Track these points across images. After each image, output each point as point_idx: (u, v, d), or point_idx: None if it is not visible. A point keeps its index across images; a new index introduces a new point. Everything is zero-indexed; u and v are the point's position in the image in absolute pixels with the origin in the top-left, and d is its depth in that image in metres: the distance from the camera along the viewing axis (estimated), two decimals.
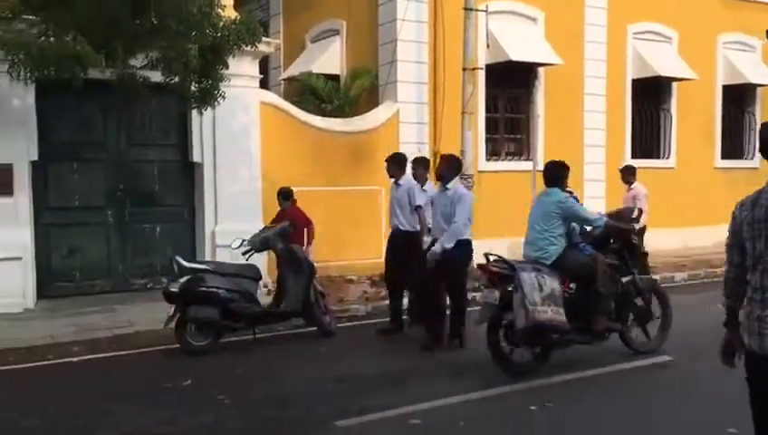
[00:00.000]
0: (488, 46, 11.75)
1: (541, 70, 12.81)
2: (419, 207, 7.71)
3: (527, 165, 12.20)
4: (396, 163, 8.08)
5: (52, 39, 7.03)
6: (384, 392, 5.81)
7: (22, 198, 8.86)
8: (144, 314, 8.43)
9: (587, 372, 6.26)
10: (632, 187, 10.82)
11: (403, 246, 7.81)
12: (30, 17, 7.27)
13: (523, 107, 13.04)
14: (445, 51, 11.62)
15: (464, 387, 5.89)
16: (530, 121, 12.74)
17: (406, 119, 11.81)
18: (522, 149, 13.08)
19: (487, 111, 12.53)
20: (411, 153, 11.57)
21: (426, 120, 11.96)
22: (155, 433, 4.95)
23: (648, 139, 14.55)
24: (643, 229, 10.14)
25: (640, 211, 9.39)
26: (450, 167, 7.36)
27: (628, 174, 10.90)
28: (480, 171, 11.98)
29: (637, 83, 14.05)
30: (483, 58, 11.85)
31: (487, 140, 12.63)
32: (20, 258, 8.74)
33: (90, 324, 8.10)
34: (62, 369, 6.79)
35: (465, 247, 7.10)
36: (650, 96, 14.44)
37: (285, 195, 8.88)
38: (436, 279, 7.12)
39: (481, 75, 11.88)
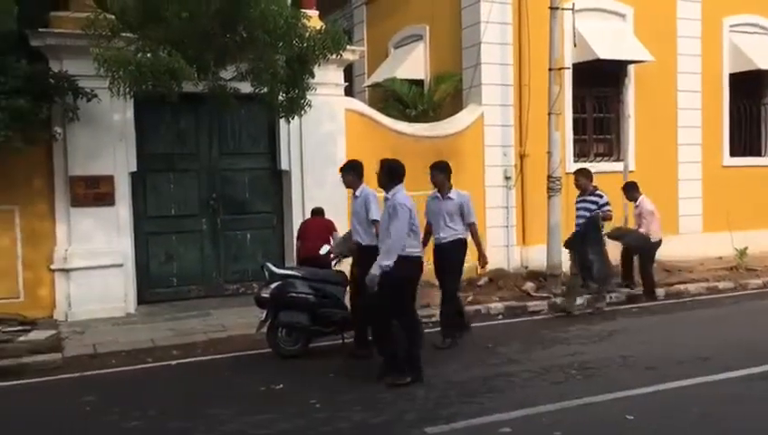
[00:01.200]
0: (575, 45, 11.46)
1: (631, 68, 12.39)
2: (375, 221, 6.91)
3: (617, 166, 11.82)
4: (352, 171, 7.40)
5: (148, 55, 7.34)
6: (474, 399, 5.74)
7: (122, 208, 9.29)
8: (237, 319, 8.67)
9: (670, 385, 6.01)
10: (637, 203, 10.49)
11: (363, 262, 6.77)
12: (128, 35, 7.62)
13: (613, 106, 12.65)
14: (530, 51, 11.43)
15: (558, 395, 5.74)
16: (620, 121, 12.35)
17: (491, 121, 11.68)
18: (611, 149, 12.70)
19: (575, 111, 12.25)
20: (498, 156, 11.67)
21: (511, 123, 11.79)
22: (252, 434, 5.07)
23: (747, 136, 13.83)
24: (656, 244, 10.33)
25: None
26: (385, 173, 6.47)
27: (632, 190, 10.57)
28: (568, 173, 11.67)
29: (735, 78, 13.38)
30: (569, 57, 11.57)
31: (575, 141, 12.33)
32: (121, 265, 9.17)
33: (186, 329, 8.40)
34: (162, 372, 7.05)
35: (404, 264, 6.07)
36: (750, 91, 13.71)
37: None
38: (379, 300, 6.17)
39: (568, 75, 11.60)
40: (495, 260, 11.66)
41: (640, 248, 10.31)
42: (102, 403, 5.90)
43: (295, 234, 9.54)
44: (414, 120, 11.76)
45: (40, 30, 8.50)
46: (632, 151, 12.21)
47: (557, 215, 10.43)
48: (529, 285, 10.47)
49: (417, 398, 5.82)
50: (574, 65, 11.74)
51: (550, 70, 10.45)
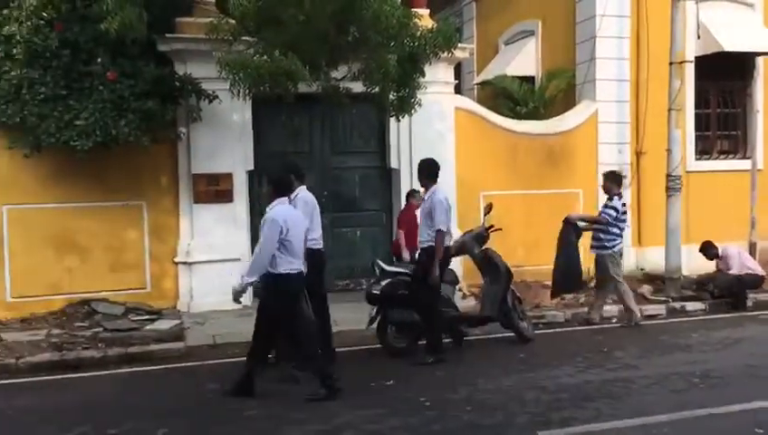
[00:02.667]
0: (698, 37, 10.91)
1: (760, 60, 11.66)
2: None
3: (744, 164, 11.17)
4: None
5: (266, 57, 7.60)
6: (589, 404, 5.58)
7: (240, 205, 9.68)
8: (347, 315, 8.81)
9: None
10: (722, 255, 9.80)
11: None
12: (247, 39, 7.91)
13: (739, 101, 11.94)
14: (649, 45, 10.97)
15: (679, 404, 5.49)
16: (747, 116, 11.64)
17: (605, 118, 11.31)
18: (737, 146, 11.99)
19: (697, 106, 11.65)
20: (612, 154, 11.26)
21: (627, 119, 11.38)
22: (363, 430, 5.14)
23: None
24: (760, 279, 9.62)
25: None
26: (269, 181, 6.33)
27: (710, 249, 9.81)
28: (689, 172, 11.15)
29: None
30: (692, 50, 11.03)
31: (697, 138, 11.73)
32: (239, 259, 9.53)
33: None
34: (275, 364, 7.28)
35: (277, 282, 5.87)
36: None
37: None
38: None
39: (689, 69, 11.05)
40: None
41: (747, 284, 9.62)
42: (223, 392, 6.17)
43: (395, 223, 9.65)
44: (524, 118, 11.55)
45: (167, 35, 8.98)
46: (761, 149, 11.49)
47: (677, 215, 9.96)
48: (645, 288, 10.07)
49: (529, 400, 5.73)
50: (697, 58, 11.17)
51: (671, 64, 9.98)
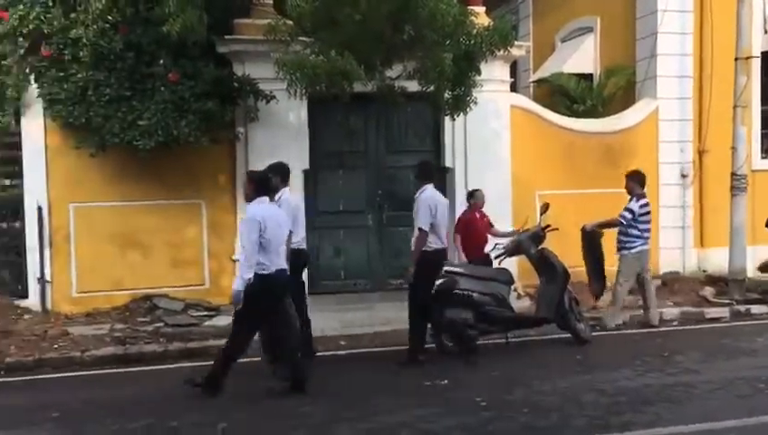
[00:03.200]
0: (765, 32, 10.54)
1: None
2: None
3: None
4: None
5: (321, 57, 7.67)
6: (649, 409, 5.45)
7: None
8: (400, 313, 8.79)
9: None
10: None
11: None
12: (304, 39, 8.00)
13: None
14: (713, 40, 10.66)
15: (745, 410, 5.32)
16: None
17: (666, 116, 11.03)
18: None
19: (763, 103, 11.28)
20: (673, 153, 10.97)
21: (689, 117, 11.08)
22: (418, 429, 5.14)
23: None
24: None
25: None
26: (250, 180, 6.31)
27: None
28: (754, 171, 10.77)
29: None
30: (759, 45, 10.66)
31: (763, 136, 11.35)
32: None
33: (353, 321, 8.70)
34: (331, 361, 7.36)
35: (256, 283, 5.83)
36: None
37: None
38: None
39: (756, 64, 10.68)
40: (669, 263, 11.04)
41: None
42: (283, 387, 6.25)
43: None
44: (582, 116, 11.36)
45: (226, 37, 9.15)
46: None
47: (741, 215, 9.65)
48: (708, 291, 9.78)
49: (586, 403, 5.63)
50: (764, 54, 10.80)
51: (736, 59, 9.67)
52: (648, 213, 8.46)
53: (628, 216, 8.31)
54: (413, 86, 8.43)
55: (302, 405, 5.74)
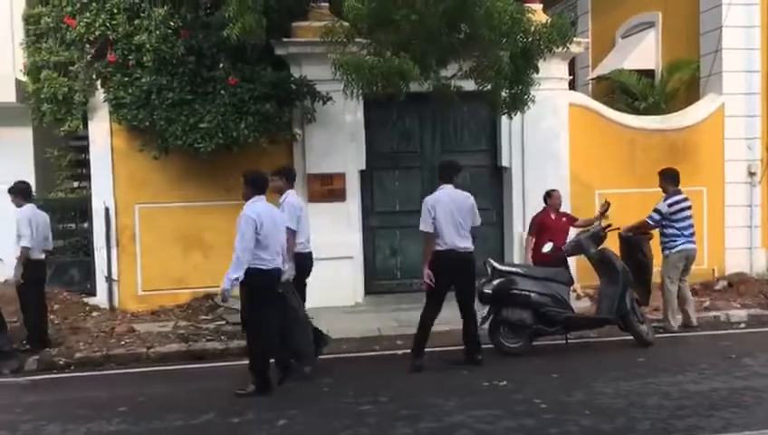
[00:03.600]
0: None
1: None
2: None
3: None
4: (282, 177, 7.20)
5: (378, 58, 7.70)
6: (716, 413, 5.27)
7: (352, 204, 9.87)
8: (457, 313, 8.76)
9: None
10: None
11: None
12: (360, 40, 8.05)
13: None
14: None
15: None
16: None
17: (733, 112, 10.68)
18: None
19: None
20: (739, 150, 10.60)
21: (757, 113, 10.72)
22: (477, 430, 5.10)
23: None
24: None
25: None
26: (246, 180, 6.42)
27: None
28: None
29: None
30: None
31: None
32: (351, 257, 9.75)
33: (409, 320, 8.64)
34: (389, 360, 7.38)
35: (249, 278, 6.02)
36: None
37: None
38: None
39: None
40: (736, 263, 10.68)
41: None
42: (338, 386, 6.33)
43: (519, 231, 9.48)
44: (643, 114, 11.11)
45: (284, 40, 9.29)
46: None
47: None
48: None
49: (650, 406, 5.49)
50: None
51: None
52: (684, 210, 8.15)
53: (657, 217, 8.08)
54: (469, 85, 8.40)
55: (361, 404, 5.77)
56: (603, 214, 8.08)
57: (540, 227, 8.51)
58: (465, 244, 6.84)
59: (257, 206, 6.20)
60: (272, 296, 6.19)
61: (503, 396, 5.91)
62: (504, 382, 6.26)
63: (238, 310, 9.13)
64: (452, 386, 6.20)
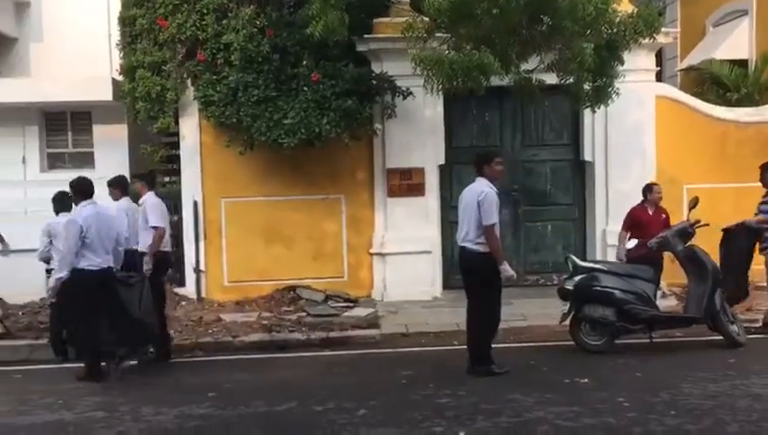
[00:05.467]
0: None
1: None
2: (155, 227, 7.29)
3: None
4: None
5: (458, 52, 7.69)
6: None
7: (431, 199, 9.91)
8: (537, 309, 8.72)
9: None
10: None
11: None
12: (440, 35, 8.06)
13: None
14: None
15: None
16: None
17: None
18: None
19: None
20: None
21: None
22: (557, 426, 5.06)
23: None
24: None
25: None
26: (71, 186, 6.86)
27: None
28: None
29: None
30: None
31: None
32: (430, 252, 9.79)
33: None
34: (466, 354, 7.36)
35: (75, 276, 6.43)
36: None
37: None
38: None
39: None
40: None
41: None
42: (417, 378, 6.39)
43: (601, 227, 9.26)
44: (736, 105, 10.66)
45: (365, 36, 9.41)
46: None
47: None
48: None
49: (740, 408, 5.30)
50: None
51: None
52: None
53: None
54: (551, 78, 8.28)
55: (439, 397, 5.82)
56: (692, 210, 7.81)
57: (633, 222, 8.26)
58: (465, 242, 6.47)
59: (85, 210, 6.59)
60: (99, 295, 6.50)
61: (584, 393, 5.83)
62: (586, 380, 6.17)
63: (319, 302, 9.44)
64: (532, 382, 6.16)
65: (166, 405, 5.77)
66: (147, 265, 7.21)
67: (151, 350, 7.39)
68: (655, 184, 8.49)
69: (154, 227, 7.27)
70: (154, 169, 7.88)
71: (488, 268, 6.40)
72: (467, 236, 6.45)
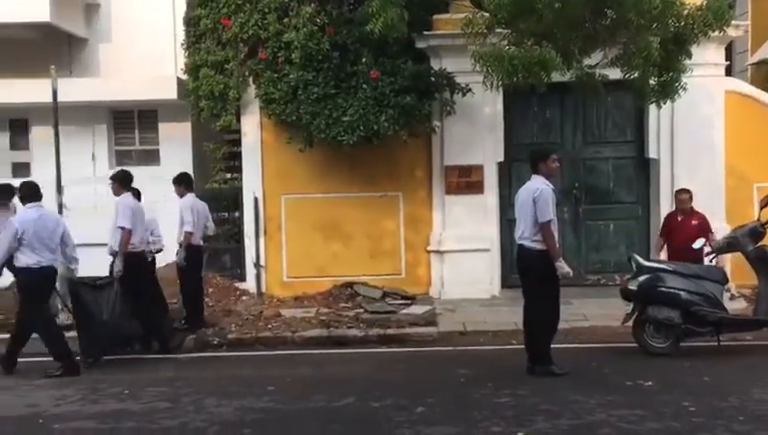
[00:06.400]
0: None
1: None
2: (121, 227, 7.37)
3: None
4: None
5: (518, 48, 7.58)
6: None
7: (490, 196, 9.83)
8: (598, 310, 8.55)
9: None
10: None
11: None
12: (500, 31, 7.97)
13: None
14: None
15: None
16: None
17: None
18: None
19: None
20: None
21: None
22: (620, 429, 4.95)
23: None
24: None
25: None
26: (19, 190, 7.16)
27: None
28: None
29: None
30: None
31: None
32: (488, 250, 9.71)
33: None
34: (525, 354, 7.28)
35: (19, 274, 6.92)
36: None
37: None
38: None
39: None
40: None
41: None
42: (475, 377, 6.34)
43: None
44: None
45: (424, 33, 9.39)
46: None
47: None
48: None
49: None
50: None
51: None
52: None
53: None
54: (614, 73, 8.08)
55: (498, 396, 5.76)
56: (763, 209, 7.51)
57: (665, 228, 8.12)
58: (522, 240, 6.38)
59: (27, 214, 6.90)
60: (43, 291, 6.96)
61: (648, 396, 5.68)
62: (650, 383, 6.01)
63: (376, 299, 9.47)
64: (593, 384, 6.05)
65: (227, 398, 5.89)
66: (117, 267, 7.33)
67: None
68: (681, 191, 8.22)
69: (121, 228, 7.37)
70: (127, 170, 8.04)
71: (545, 266, 6.32)
72: (524, 234, 6.38)
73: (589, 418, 5.20)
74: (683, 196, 8.22)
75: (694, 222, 8.03)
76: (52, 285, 7.16)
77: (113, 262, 7.45)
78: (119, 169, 8.49)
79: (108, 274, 7.47)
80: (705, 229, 7.97)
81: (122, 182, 7.64)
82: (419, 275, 9.98)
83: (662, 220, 8.71)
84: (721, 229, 8.36)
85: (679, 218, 8.12)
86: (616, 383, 6.03)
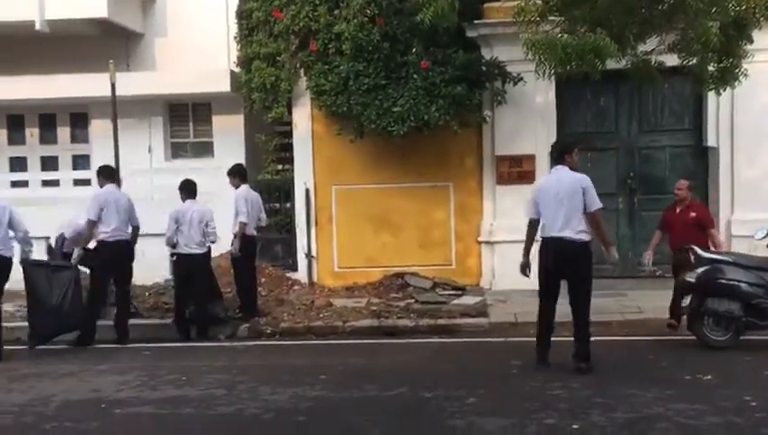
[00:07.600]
0: None
1: None
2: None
3: None
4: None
5: (571, 36, 7.45)
6: None
7: None
8: (654, 302, 8.37)
9: None
10: None
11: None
12: (553, 18, 7.84)
13: None
14: None
15: None
16: None
17: None
18: None
19: None
20: None
21: None
22: (678, 423, 4.85)
23: None
24: None
25: None
26: None
27: None
28: None
29: None
30: None
31: None
32: (539, 241, 9.52)
33: (602, 307, 8.33)
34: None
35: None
36: None
37: None
38: None
39: None
40: None
41: None
42: (527, 368, 6.30)
43: (726, 216, 8.78)
44: None
45: (475, 21, 9.31)
46: None
47: None
48: None
49: None
50: None
51: None
52: None
53: None
54: (671, 60, 7.89)
55: (551, 388, 5.71)
56: None
57: (663, 222, 7.78)
58: (564, 232, 6.15)
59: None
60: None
61: (707, 391, 5.56)
62: (709, 377, 5.87)
63: (427, 289, 9.47)
64: (650, 377, 5.94)
65: (281, 386, 5.98)
66: (75, 254, 7.72)
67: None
68: (679, 182, 7.82)
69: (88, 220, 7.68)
70: (109, 165, 8.26)
71: (590, 257, 6.32)
72: (568, 226, 6.15)
73: (646, 411, 5.11)
74: (681, 184, 7.81)
75: (692, 214, 7.63)
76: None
77: (71, 250, 7.82)
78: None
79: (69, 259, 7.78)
80: (704, 222, 7.58)
81: (106, 175, 8.05)
82: (470, 265, 9.95)
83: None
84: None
85: (677, 211, 7.79)
86: (674, 377, 5.92)
